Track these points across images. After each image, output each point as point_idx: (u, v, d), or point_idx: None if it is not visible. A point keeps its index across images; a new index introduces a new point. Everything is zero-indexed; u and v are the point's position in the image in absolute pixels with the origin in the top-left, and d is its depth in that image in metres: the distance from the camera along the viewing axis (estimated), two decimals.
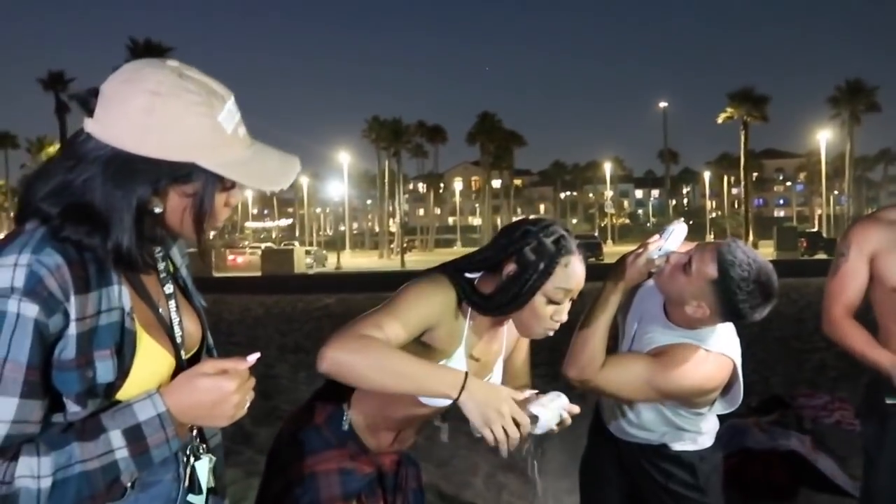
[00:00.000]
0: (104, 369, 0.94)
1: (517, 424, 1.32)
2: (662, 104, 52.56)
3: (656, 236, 1.72)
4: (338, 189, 55.72)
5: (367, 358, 1.32)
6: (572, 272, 1.47)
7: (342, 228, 63.07)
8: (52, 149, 54.11)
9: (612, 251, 37.16)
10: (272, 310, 13.00)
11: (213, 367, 0.98)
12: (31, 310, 0.88)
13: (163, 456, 0.96)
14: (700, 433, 1.91)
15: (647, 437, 1.91)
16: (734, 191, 73.55)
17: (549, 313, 1.48)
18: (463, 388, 1.30)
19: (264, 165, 1.03)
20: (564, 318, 1.51)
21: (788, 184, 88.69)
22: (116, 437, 0.92)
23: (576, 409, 1.42)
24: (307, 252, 37.64)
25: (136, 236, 0.97)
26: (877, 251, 2.04)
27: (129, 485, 0.96)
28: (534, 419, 1.36)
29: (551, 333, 1.53)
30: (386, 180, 59.91)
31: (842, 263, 2.11)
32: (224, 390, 0.97)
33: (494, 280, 1.50)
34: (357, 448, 1.63)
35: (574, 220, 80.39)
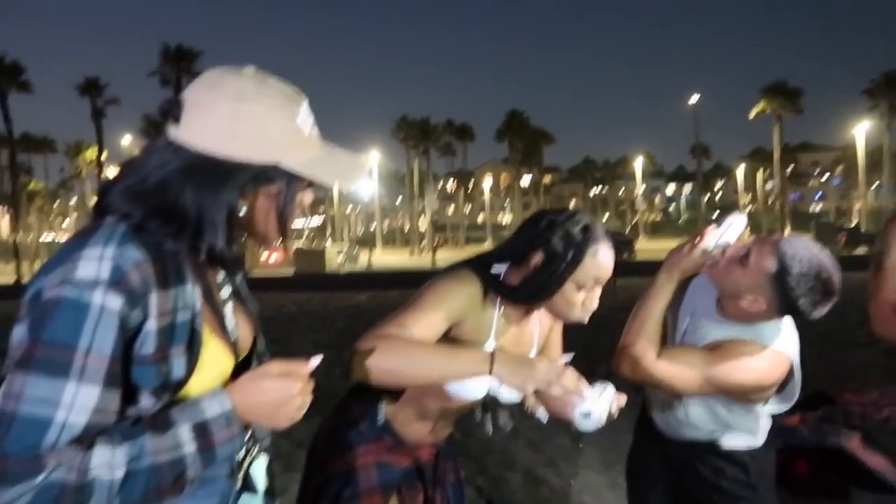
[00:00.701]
0: (178, 365, 0.97)
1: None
2: (693, 98, 51.71)
3: (713, 227, 1.67)
4: (368, 188, 56.02)
5: (392, 356, 1.31)
6: (601, 260, 1.46)
7: (373, 227, 63.39)
8: (90, 152, 55.47)
9: (644, 248, 36.68)
10: (305, 307, 13.11)
11: (277, 369, 1.00)
12: (116, 302, 0.90)
13: (227, 453, 0.98)
14: (752, 431, 1.85)
15: (697, 435, 1.86)
16: (768, 185, 72.11)
17: (581, 300, 1.48)
18: (493, 360, 1.28)
19: (337, 163, 1.08)
20: (595, 304, 1.51)
21: (825, 178, 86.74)
22: (185, 433, 0.94)
23: (623, 398, 1.39)
24: (339, 251, 37.90)
25: (227, 240, 1.01)
26: None
27: (192, 480, 0.96)
28: (587, 415, 1.33)
29: (586, 319, 1.53)
30: (415, 179, 60.08)
31: (884, 261, 2.04)
32: (288, 392, 1.00)
33: (521, 272, 1.49)
34: (394, 441, 1.63)
35: (605, 217, 79.67)
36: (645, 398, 2.03)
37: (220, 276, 1.13)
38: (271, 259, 36.57)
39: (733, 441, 1.84)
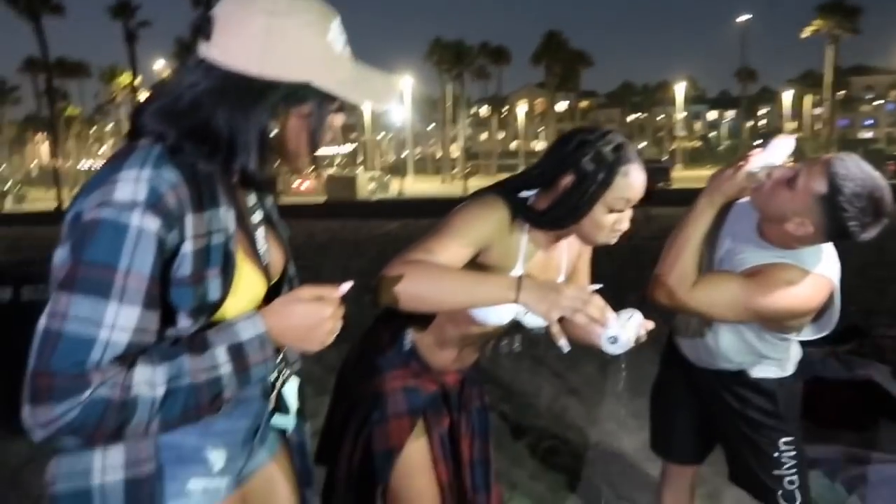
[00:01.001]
0: (214, 287, 0.98)
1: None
2: (742, 18, 49.21)
3: (758, 150, 1.61)
4: (400, 114, 55.41)
5: (419, 281, 1.31)
6: (633, 180, 1.44)
7: (404, 154, 63.07)
8: (124, 77, 55.52)
9: (681, 176, 35.84)
10: (337, 235, 13.25)
11: (309, 294, 1.02)
12: (154, 223, 0.91)
13: (261, 375, 1.01)
14: (783, 361, 1.83)
15: (726, 365, 1.85)
16: (816, 111, 69.23)
17: (611, 222, 1.46)
18: (519, 287, 1.27)
19: (369, 84, 1.06)
20: (626, 225, 1.49)
21: (878, 103, 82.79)
22: (221, 354, 0.96)
23: (651, 324, 1.39)
24: (370, 178, 37.91)
25: (260, 161, 1.00)
26: None
27: (228, 400, 0.99)
28: (613, 340, 1.33)
29: (614, 241, 1.51)
30: (448, 104, 59.09)
31: None
32: (320, 316, 1.01)
33: (551, 196, 1.47)
34: (420, 366, 1.66)
35: (643, 144, 77.79)
36: (673, 327, 2.02)
37: (252, 200, 1.13)
38: (303, 186, 36.82)
39: (762, 371, 1.83)
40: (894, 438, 3.16)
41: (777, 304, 1.61)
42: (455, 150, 59.72)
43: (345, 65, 1.04)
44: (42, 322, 0.90)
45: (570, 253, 1.65)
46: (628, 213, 1.48)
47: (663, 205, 9.37)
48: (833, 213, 1.52)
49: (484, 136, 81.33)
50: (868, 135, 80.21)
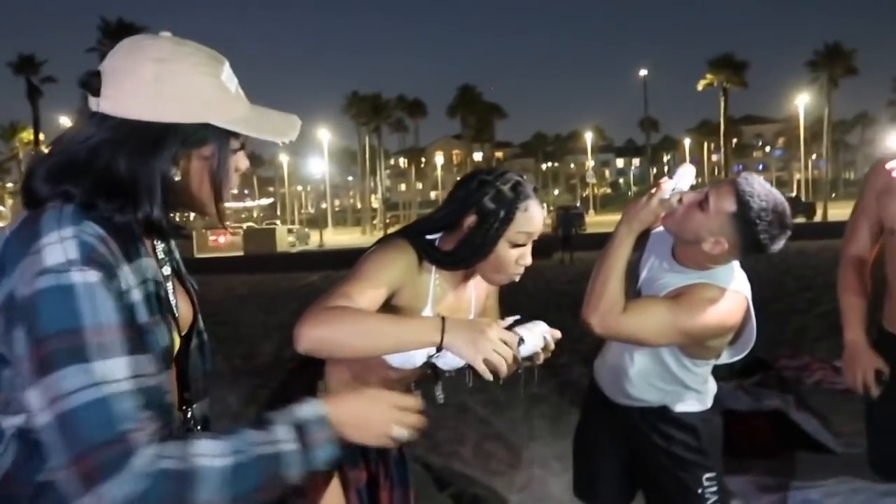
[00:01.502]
0: (161, 333, 0.96)
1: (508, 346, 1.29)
2: (642, 72, 52.44)
3: (665, 179, 1.72)
4: (318, 166, 55.18)
5: (343, 326, 1.29)
6: (532, 214, 1.50)
7: (324, 206, 62.75)
8: (25, 134, 53.05)
9: (594, 221, 37.24)
10: (256, 288, 12.94)
11: (380, 393, 1.07)
12: (94, 276, 0.87)
13: (323, 459, 0.97)
14: (703, 393, 1.90)
15: (648, 399, 1.89)
16: (714, 157, 73.91)
17: (514, 258, 1.51)
18: (444, 329, 1.27)
19: (270, 120, 1.06)
20: (529, 260, 1.54)
21: (767, 149, 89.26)
22: (286, 431, 0.94)
23: (557, 333, 1.42)
24: (289, 230, 37.41)
25: (163, 208, 0.98)
26: (880, 191, 2.08)
27: (291, 482, 0.95)
28: (520, 341, 1.35)
29: (517, 278, 1.56)
30: (367, 156, 59.49)
31: (857, 203, 2.18)
32: (382, 401, 1.05)
33: (456, 236, 1.51)
34: None
35: (556, 191, 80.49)
36: (593, 370, 2.06)
37: (160, 253, 1.10)
38: (221, 240, 35.89)
39: (685, 406, 1.89)
40: (802, 466, 3.32)
41: (702, 321, 1.68)
42: (375, 202, 59.93)
43: (241, 104, 1.03)
44: (40, 421, 0.83)
45: (477, 292, 1.68)
46: (529, 248, 1.54)
47: (580, 249, 9.65)
48: (745, 228, 1.63)
49: (403, 186, 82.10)
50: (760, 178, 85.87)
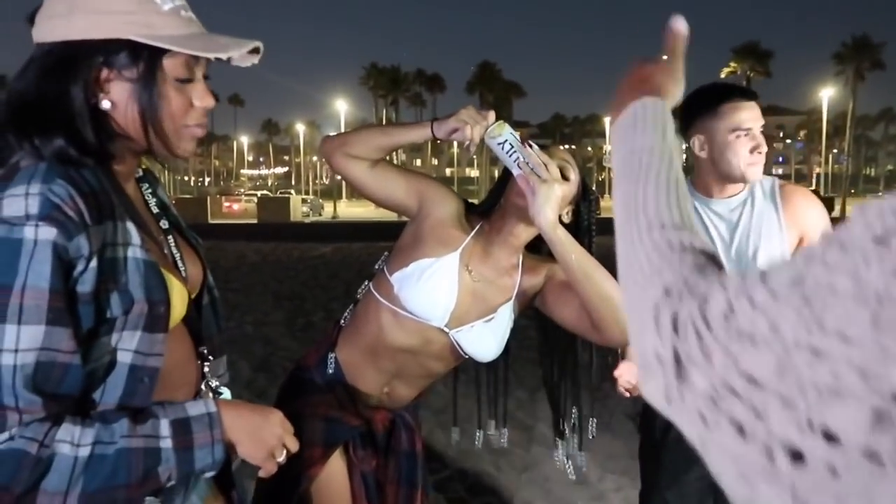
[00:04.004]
0: (116, 303, 0.91)
1: None
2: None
3: None
4: None
5: (358, 132, 1.57)
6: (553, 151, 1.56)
7: (338, 177, 62.70)
8: None
9: (608, 205, 36.86)
10: (268, 257, 12.99)
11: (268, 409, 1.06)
12: (49, 233, 0.84)
13: (205, 462, 0.93)
14: None
15: None
16: None
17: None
18: (433, 122, 1.49)
19: (210, 39, 0.97)
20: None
21: (788, 141, 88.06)
22: (164, 426, 0.90)
23: (555, 169, 1.44)
24: (303, 200, 37.45)
25: (72, 135, 0.91)
26: None
27: (164, 483, 0.91)
28: (501, 144, 1.45)
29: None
30: None
31: None
32: (274, 416, 1.03)
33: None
34: (345, 395, 1.60)
35: None
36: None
37: (154, 208, 1.07)
38: (234, 206, 36.05)
39: None
40: None
41: None
42: None
43: (177, 23, 0.94)
44: None
45: (526, 283, 1.58)
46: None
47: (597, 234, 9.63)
48: None
49: (418, 161, 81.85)
50: (779, 171, 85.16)
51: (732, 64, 49.57)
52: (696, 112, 1.80)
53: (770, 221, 1.79)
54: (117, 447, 0.85)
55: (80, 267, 0.87)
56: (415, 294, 1.50)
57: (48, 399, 0.83)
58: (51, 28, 0.92)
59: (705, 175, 1.84)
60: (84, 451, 0.83)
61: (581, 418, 1.71)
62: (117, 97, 0.94)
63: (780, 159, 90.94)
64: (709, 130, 1.78)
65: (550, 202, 1.38)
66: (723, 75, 50.44)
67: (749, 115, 1.75)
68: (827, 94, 48.26)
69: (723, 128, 1.75)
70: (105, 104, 0.93)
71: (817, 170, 67.20)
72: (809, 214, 1.80)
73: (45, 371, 0.83)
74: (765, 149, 1.76)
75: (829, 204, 37.11)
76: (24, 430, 0.81)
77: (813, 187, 53.99)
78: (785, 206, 1.80)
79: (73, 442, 0.83)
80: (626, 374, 1.75)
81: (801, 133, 78.19)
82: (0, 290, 0.82)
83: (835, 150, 66.80)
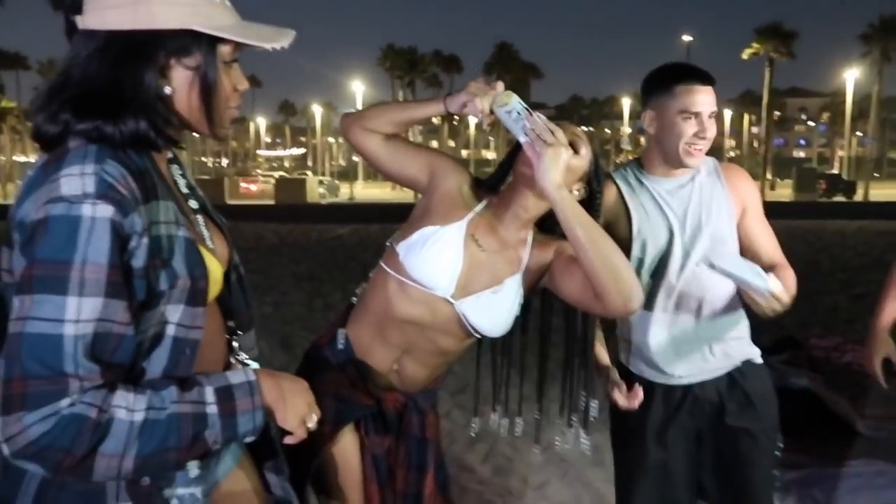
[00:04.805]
0: (164, 279, 0.96)
1: None
2: (686, 38, 50.90)
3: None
4: None
5: (375, 107, 1.60)
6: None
7: (355, 158, 62.70)
8: None
9: None
10: (286, 238, 13.07)
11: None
12: (106, 210, 0.89)
13: (247, 427, 0.98)
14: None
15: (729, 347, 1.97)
16: (754, 130, 71.97)
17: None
18: (447, 96, 1.54)
19: (260, 29, 1.04)
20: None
21: (811, 124, 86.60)
22: (209, 394, 0.95)
23: (559, 132, 1.44)
24: (320, 182, 37.53)
25: (151, 120, 0.97)
26: None
27: (210, 447, 0.96)
28: (508, 111, 1.44)
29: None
30: None
31: None
32: (303, 384, 1.09)
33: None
34: (356, 373, 1.61)
35: None
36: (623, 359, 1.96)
37: (184, 188, 1.12)
38: (252, 187, 36.20)
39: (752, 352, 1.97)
40: (828, 445, 3.30)
41: None
42: None
43: (226, 13, 1.02)
44: (10, 328, 0.87)
45: (537, 259, 1.59)
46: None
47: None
48: None
49: (435, 143, 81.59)
50: (801, 154, 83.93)
51: (755, 45, 48.66)
52: (654, 88, 1.83)
53: (719, 197, 1.86)
54: (168, 412, 0.90)
55: (133, 243, 0.92)
56: (419, 261, 1.52)
57: (105, 367, 0.88)
58: (115, 15, 0.95)
59: (651, 151, 1.88)
60: (139, 416, 0.88)
61: (588, 402, 1.77)
62: (177, 83, 1.00)
63: (803, 142, 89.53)
64: (660, 108, 1.81)
65: (556, 165, 1.39)
66: (745, 56, 49.57)
67: (701, 99, 1.77)
68: (852, 76, 47.28)
69: (673, 107, 1.78)
70: (167, 90, 0.99)
71: (840, 153, 66.15)
72: (748, 189, 1.92)
73: (102, 341, 0.88)
74: (710, 135, 1.79)
75: (851, 188, 36.66)
76: (84, 396, 0.85)
77: (836, 171, 53.19)
78: (728, 182, 1.88)
79: (128, 408, 0.88)
80: (620, 400, 1.78)
81: (825, 115, 76.89)
82: (62, 265, 0.87)
83: (859, 133, 65.65)
